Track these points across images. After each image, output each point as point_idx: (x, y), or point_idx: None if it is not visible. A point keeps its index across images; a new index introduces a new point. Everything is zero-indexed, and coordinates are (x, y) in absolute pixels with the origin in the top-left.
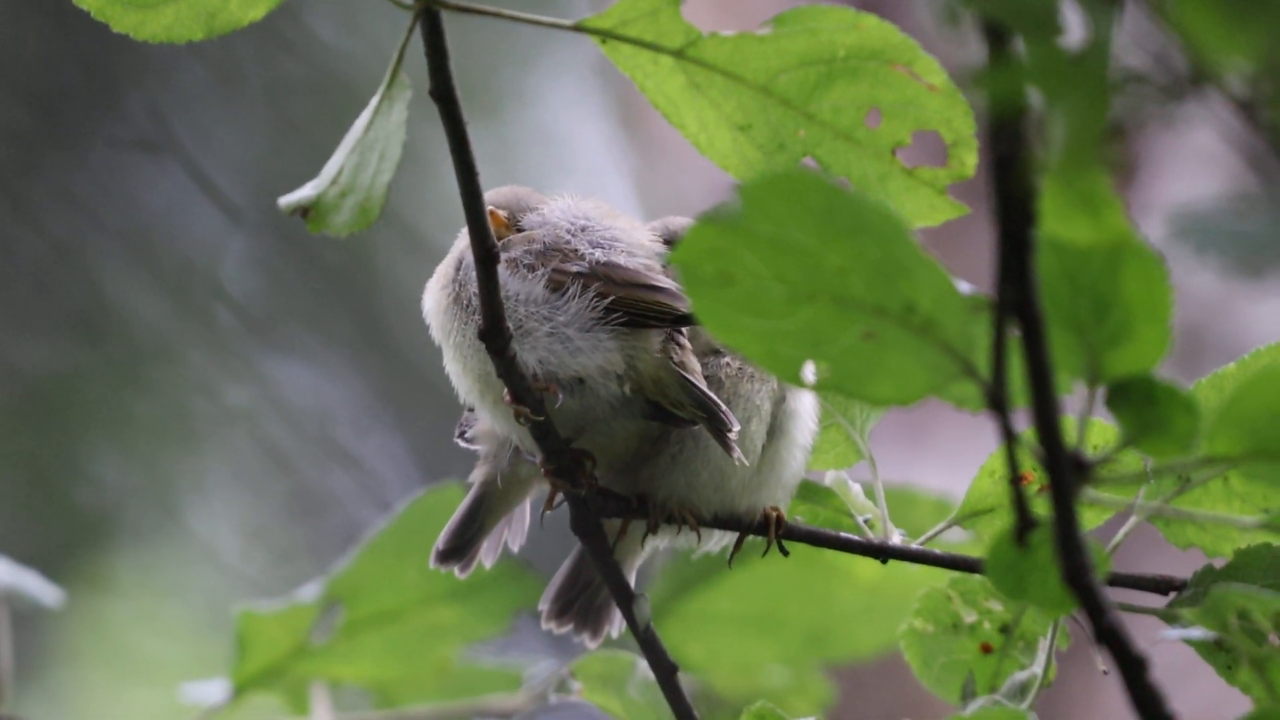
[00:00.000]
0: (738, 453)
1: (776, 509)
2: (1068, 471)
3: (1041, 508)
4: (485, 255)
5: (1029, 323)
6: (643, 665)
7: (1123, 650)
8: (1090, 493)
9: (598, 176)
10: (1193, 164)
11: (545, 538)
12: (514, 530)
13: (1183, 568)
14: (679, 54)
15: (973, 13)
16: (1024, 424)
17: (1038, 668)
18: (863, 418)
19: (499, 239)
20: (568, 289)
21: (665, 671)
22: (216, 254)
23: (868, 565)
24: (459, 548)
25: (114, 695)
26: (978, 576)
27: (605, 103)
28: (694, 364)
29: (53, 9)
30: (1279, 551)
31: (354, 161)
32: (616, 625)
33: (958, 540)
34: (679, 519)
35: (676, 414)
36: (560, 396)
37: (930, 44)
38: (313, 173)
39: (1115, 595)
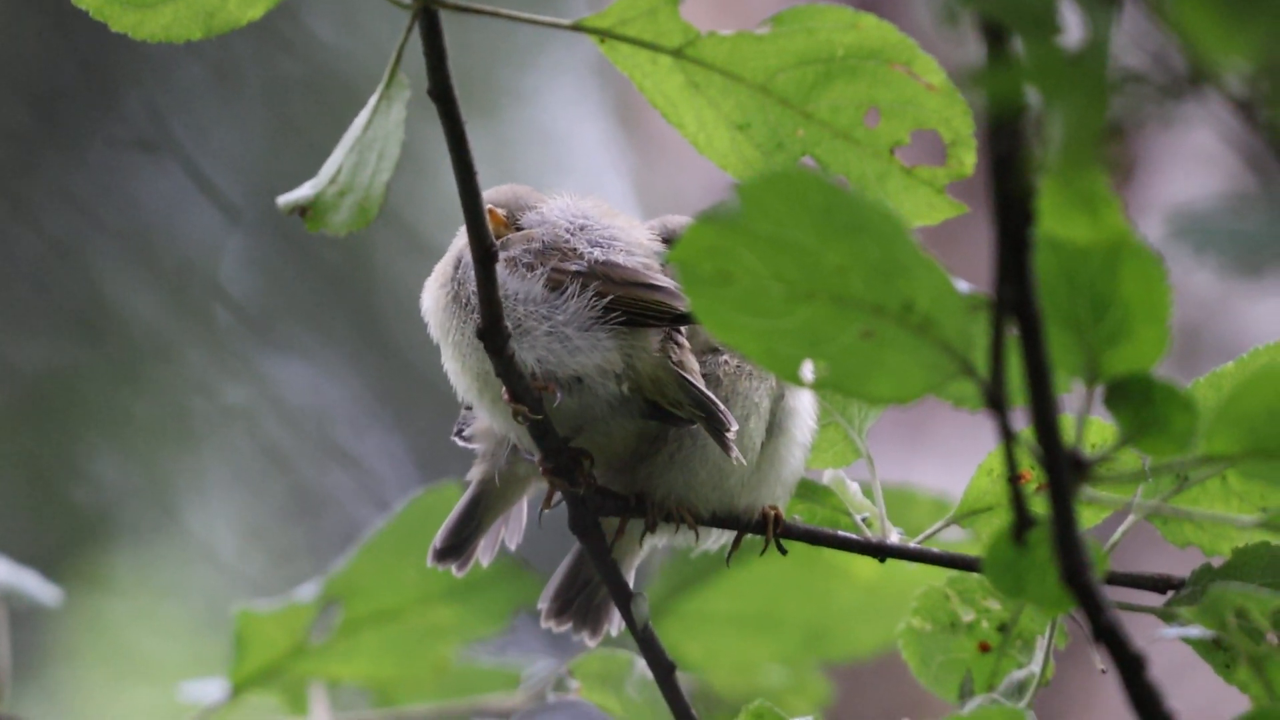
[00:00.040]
0: (736, 452)
1: (775, 508)
2: (1066, 470)
3: (1040, 506)
4: (484, 254)
5: (1027, 322)
6: (641, 664)
7: (1121, 649)
8: (1088, 491)
9: (596, 175)
10: (1191, 163)
11: (543, 536)
12: (512, 529)
13: (1181, 566)
14: (677, 53)
15: (971, 12)
16: (1022, 423)
17: (1036, 666)
18: (861, 416)
19: (498, 238)
20: (566, 288)
21: (663, 670)
22: (215, 253)
23: (866, 564)
24: (457, 546)
25: (112, 694)
26: (976, 575)
27: (604, 102)
28: (692, 363)
29: (51, 8)
30: (1277, 550)
31: (352, 161)
32: (615, 624)
33: (956, 539)
34: (677, 518)
35: (675, 413)
36: (558, 395)
37: (929, 43)
38: (311, 172)
39: (1113, 594)
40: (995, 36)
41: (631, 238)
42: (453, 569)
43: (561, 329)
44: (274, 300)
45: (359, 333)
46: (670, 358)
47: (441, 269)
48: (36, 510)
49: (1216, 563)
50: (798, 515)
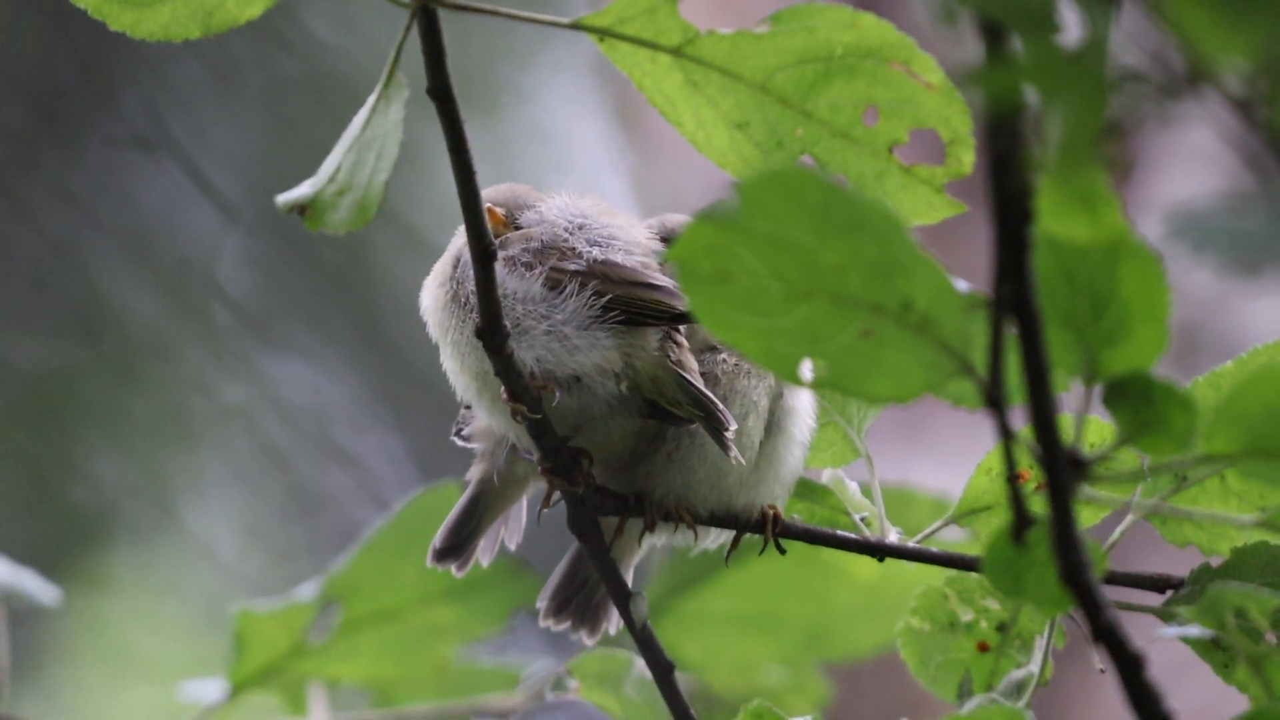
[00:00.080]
0: (734, 452)
1: (774, 507)
2: (1065, 469)
3: (1039, 506)
4: (482, 253)
5: (1026, 321)
6: (640, 664)
7: (1120, 648)
8: (1087, 491)
9: (595, 174)
10: (1190, 162)
11: (542, 536)
12: (511, 528)
13: (1180, 566)
14: (676, 52)
15: (970, 11)
16: (1021, 422)
17: (1034, 666)
18: (860, 415)
19: (497, 237)
20: (565, 287)
21: (662, 670)
22: (214, 252)
23: (865, 564)
24: (456, 546)
25: (112, 694)
26: (975, 575)
27: (603, 100)
28: (691, 362)
29: (49, 7)
30: (1276, 550)
31: (351, 160)
32: (614, 623)
33: (955, 538)
34: (676, 517)
35: (674, 412)
36: (557, 394)
37: (927, 42)
38: (310, 171)
39: (1112, 593)
40: (994, 35)
41: (630, 237)
42: (452, 569)
43: (560, 328)
44: (273, 299)
45: (358, 332)
46: (669, 357)
47: (440, 268)
48: (35, 510)
49: (1215, 562)
50: (796, 514)
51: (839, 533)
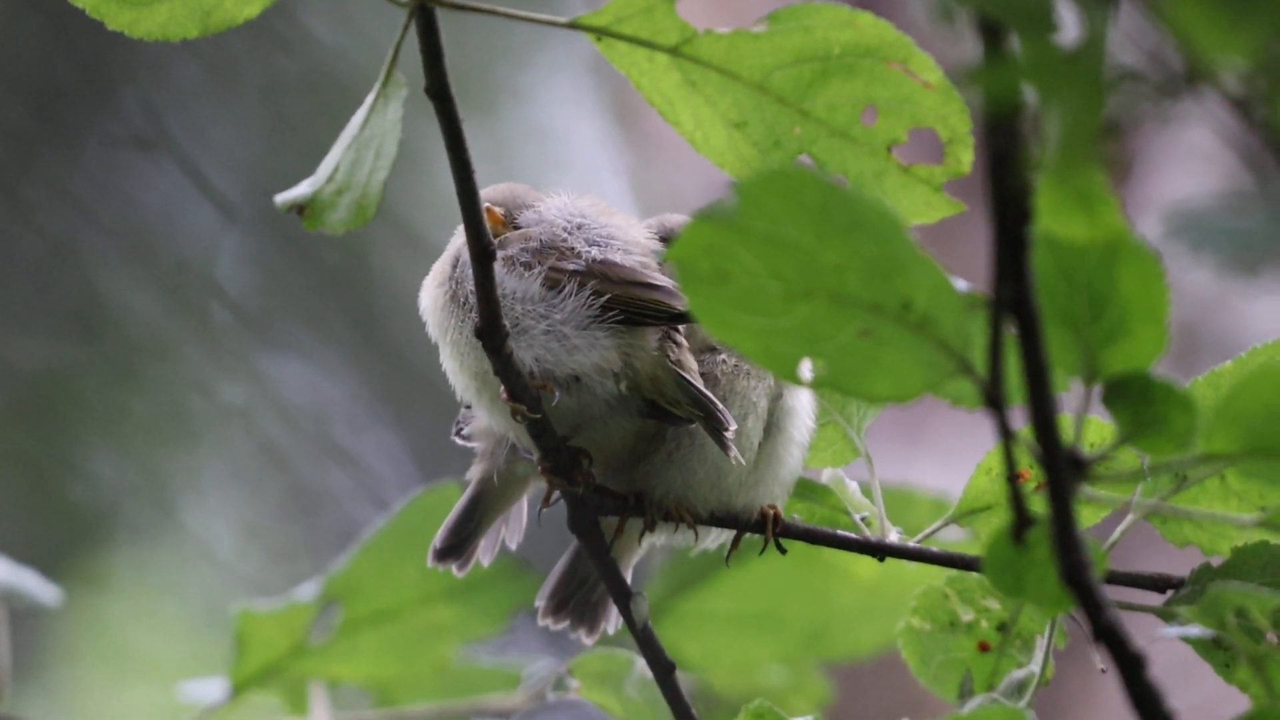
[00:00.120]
0: (734, 452)
1: (774, 507)
2: (1065, 469)
3: (1039, 505)
4: (481, 253)
5: (1025, 320)
6: (640, 663)
7: (1120, 648)
8: (1087, 490)
9: (594, 174)
10: (1188, 162)
11: (543, 536)
12: (511, 528)
13: (1180, 566)
14: (674, 51)
15: (968, 10)
16: (1021, 421)
17: (1035, 666)
18: (859, 415)
19: (495, 236)
20: (564, 287)
21: (663, 670)
22: (212, 251)
23: (865, 563)
24: (456, 546)
25: (112, 694)
26: (975, 574)
27: (601, 100)
28: (691, 362)
29: (48, 6)
30: (1276, 549)
31: (350, 159)
32: (613, 622)
33: (955, 538)
34: (676, 517)
35: (673, 412)
36: (557, 394)
37: (926, 41)
38: (309, 170)
39: (1113, 593)
40: (992, 34)
41: (629, 236)
42: (453, 569)
43: (559, 328)
44: (272, 299)
45: (357, 331)
46: (668, 357)
47: (439, 268)
48: (35, 510)
49: (1216, 562)
50: (797, 514)
51: (839, 532)
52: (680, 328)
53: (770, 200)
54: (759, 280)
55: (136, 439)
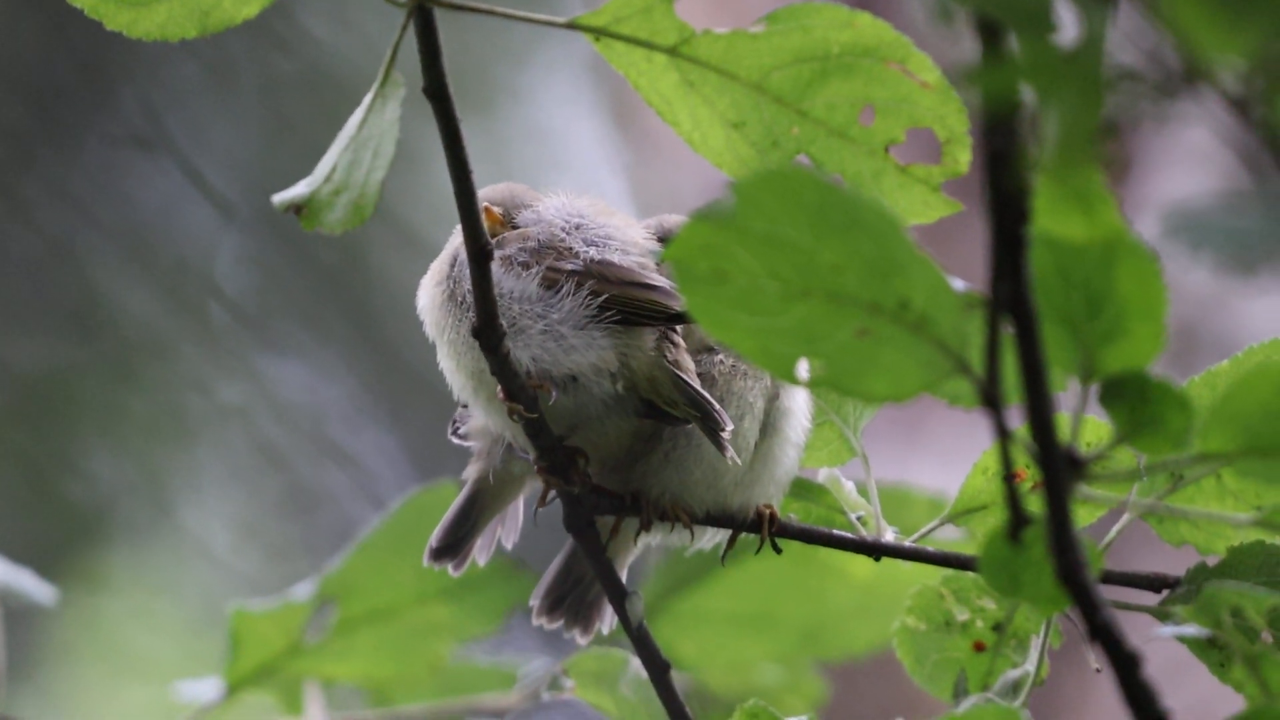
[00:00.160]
0: (731, 452)
1: (770, 506)
2: (1061, 468)
3: (1035, 505)
4: (479, 252)
5: (1023, 320)
6: (635, 663)
7: (1116, 648)
8: (1084, 490)
9: (592, 174)
10: (1186, 161)
11: (539, 535)
12: (507, 528)
13: (1176, 565)
14: (672, 51)
15: (966, 10)
16: (1018, 421)
17: (1030, 665)
18: (856, 415)
19: (493, 236)
20: (562, 286)
21: (658, 669)
22: (210, 251)
23: (861, 563)
24: (453, 545)
25: (107, 693)
26: (970, 574)
27: (599, 100)
28: (688, 362)
29: (47, 6)
30: (1272, 549)
31: (348, 159)
32: (607, 621)
33: (951, 538)
34: (672, 516)
35: (670, 412)
36: (553, 394)
37: (924, 41)
38: (306, 170)
39: (1108, 593)
40: (990, 34)
41: (627, 237)
42: (449, 568)
43: (557, 327)
44: (269, 298)
45: (354, 331)
46: (666, 357)
47: (437, 267)
48: (32, 509)
49: (1212, 561)
50: (793, 514)
51: (835, 532)
52: (678, 328)
53: (768, 200)
54: (757, 280)
55: (133, 438)
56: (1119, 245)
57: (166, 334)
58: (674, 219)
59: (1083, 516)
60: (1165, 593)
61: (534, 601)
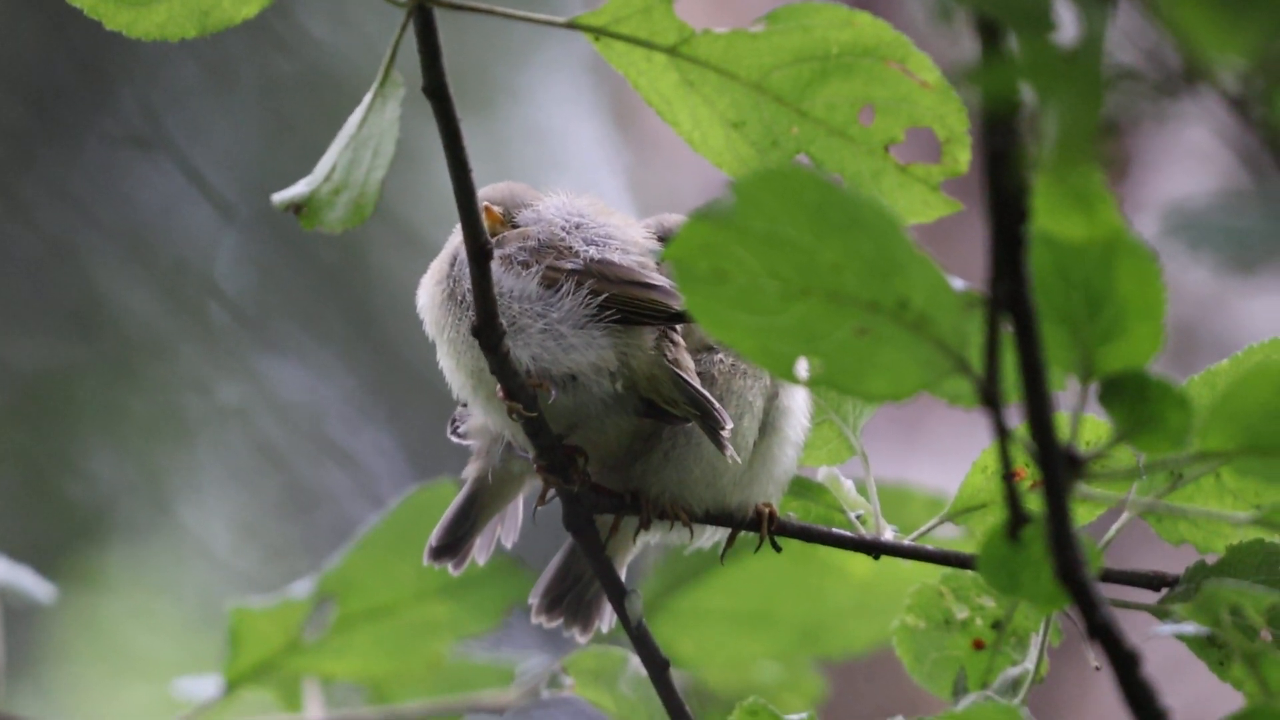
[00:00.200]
0: (730, 450)
1: (769, 505)
2: (1060, 467)
3: (1034, 504)
4: (479, 251)
5: (1022, 319)
6: (635, 661)
7: (1115, 646)
8: (1083, 488)
9: (591, 173)
10: (1186, 161)
11: (538, 534)
12: (507, 526)
13: (1175, 564)
14: (672, 51)
15: (966, 9)
16: (1017, 420)
17: (1030, 664)
18: (855, 414)
19: (493, 235)
20: (561, 286)
21: (657, 667)
22: (210, 250)
23: (860, 561)
24: (452, 544)
25: (107, 691)
26: (970, 572)
27: (599, 99)
28: (688, 361)
29: (46, 6)
30: (1271, 547)
31: (347, 158)
32: (607, 620)
33: (950, 536)
34: (671, 515)
35: (670, 411)
36: (553, 393)
37: (923, 41)
38: (306, 169)
39: (1107, 591)
40: (990, 33)
41: (627, 236)
42: (448, 566)
43: (556, 326)
44: (269, 297)
45: (354, 330)
46: (665, 356)
47: (437, 266)
48: (31, 507)
49: (1211, 560)
50: (792, 513)
51: (834, 530)
52: (677, 327)
53: (768, 199)
54: (756, 279)
55: (133, 437)
56: (1119, 245)
57: (166, 334)
58: (674, 218)
59: (1082, 515)
60: (1164, 591)
61: (533, 599)
